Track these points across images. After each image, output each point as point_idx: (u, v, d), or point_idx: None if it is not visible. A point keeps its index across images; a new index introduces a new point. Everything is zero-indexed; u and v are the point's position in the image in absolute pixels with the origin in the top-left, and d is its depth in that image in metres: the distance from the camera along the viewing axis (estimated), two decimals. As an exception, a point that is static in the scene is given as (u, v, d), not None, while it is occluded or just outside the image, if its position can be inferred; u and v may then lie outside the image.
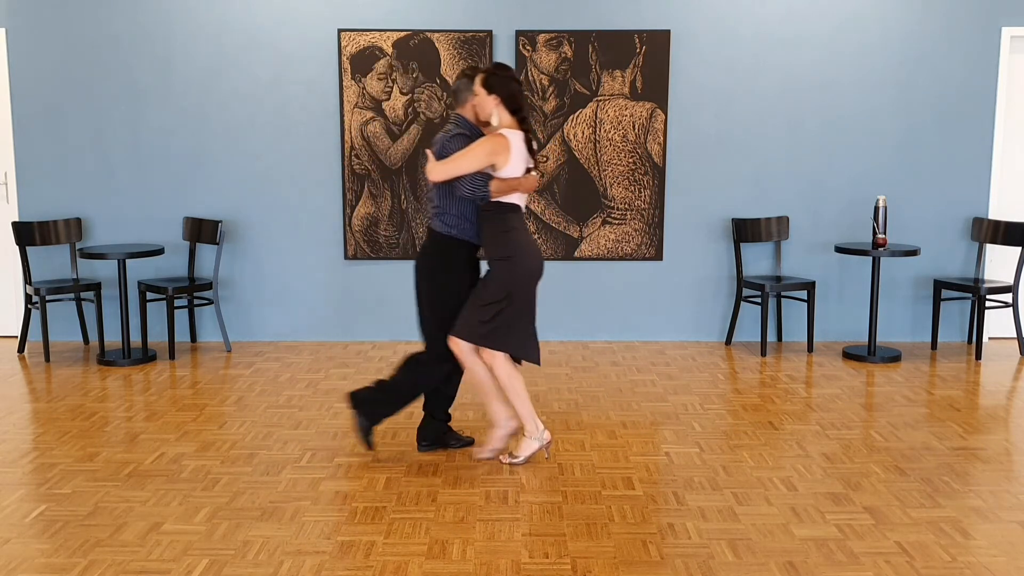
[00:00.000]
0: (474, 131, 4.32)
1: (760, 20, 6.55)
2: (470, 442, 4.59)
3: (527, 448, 4.34)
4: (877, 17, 6.54)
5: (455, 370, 4.42)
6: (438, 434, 4.54)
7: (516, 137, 4.20)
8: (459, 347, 4.27)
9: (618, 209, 6.66)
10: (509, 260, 4.26)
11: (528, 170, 4.31)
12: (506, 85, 4.20)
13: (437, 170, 4.18)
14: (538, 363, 4.40)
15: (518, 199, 4.31)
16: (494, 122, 4.23)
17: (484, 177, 4.19)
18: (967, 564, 3.35)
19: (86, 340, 6.78)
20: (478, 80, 4.22)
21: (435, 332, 4.34)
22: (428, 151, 4.30)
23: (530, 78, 6.54)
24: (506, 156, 4.16)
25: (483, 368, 4.31)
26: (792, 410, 5.19)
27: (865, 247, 6.26)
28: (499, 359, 4.26)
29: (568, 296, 6.76)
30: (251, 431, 4.81)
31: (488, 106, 4.21)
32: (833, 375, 5.94)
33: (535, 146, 4.39)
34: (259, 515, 3.77)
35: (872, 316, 6.31)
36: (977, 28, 6.54)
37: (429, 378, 4.41)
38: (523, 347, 4.34)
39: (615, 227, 6.68)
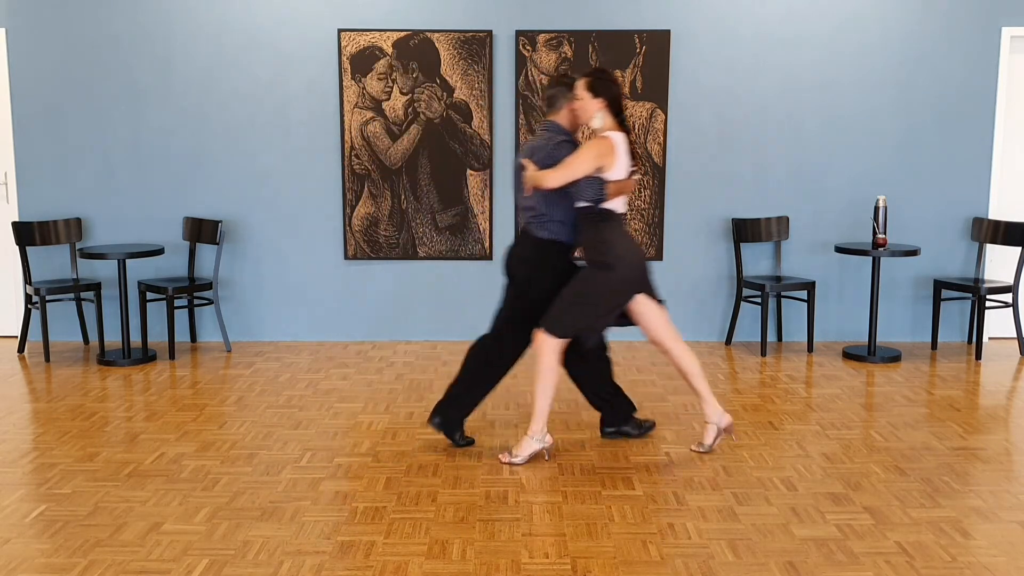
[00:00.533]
0: (571, 137, 4.38)
1: (760, 20, 6.55)
2: (651, 426, 4.73)
3: (527, 448, 4.34)
4: (877, 17, 6.55)
5: (600, 357, 4.57)
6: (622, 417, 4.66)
7: (621, 139, 4.24)
8: (541, 343, 4.30)
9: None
10: (609, 268, 4.25)
11: (630, 173, 4.33)
12: (610, 89, 4.26)
13: (552, 177, 4.15)
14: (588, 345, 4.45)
15: (619, 203, 4.33)
16: (596, 125, 4.26)
17: (600, 181, 4.20)
18: (967, 564, 3.36)
19: (86, 340, 6.79)
20: (582, 84, 4.25)
21: (526, 333, 4.43)
22: (526, 160, 4.30)
23: (530, 78, 6.55)
24: (613, 158, 4.19)
25: (553, 371, 4.33)
26: (792, 410, 5.19)
27: (865, 247, 6.27)
28: (548, 345, 4.27)
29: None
30: (251, 431, 4.81)
31: (592, 110, 4.25)
32: (833, 375, 5.94)
33: (636, 150, 4.37)
34: (259, 515, 3.77)
35: (872, 316, 6.31)
36: (977, 28, 6.54)
37: (500, 373, 4.53)
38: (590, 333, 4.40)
39: (615, 227, 6.67)
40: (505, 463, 4.34)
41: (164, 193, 6.70)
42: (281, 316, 6.83)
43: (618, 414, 4.67)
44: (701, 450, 4.49)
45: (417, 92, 6.57)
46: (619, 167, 4.21)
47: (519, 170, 4.40)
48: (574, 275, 4.35)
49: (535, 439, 4.34)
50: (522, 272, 4.45)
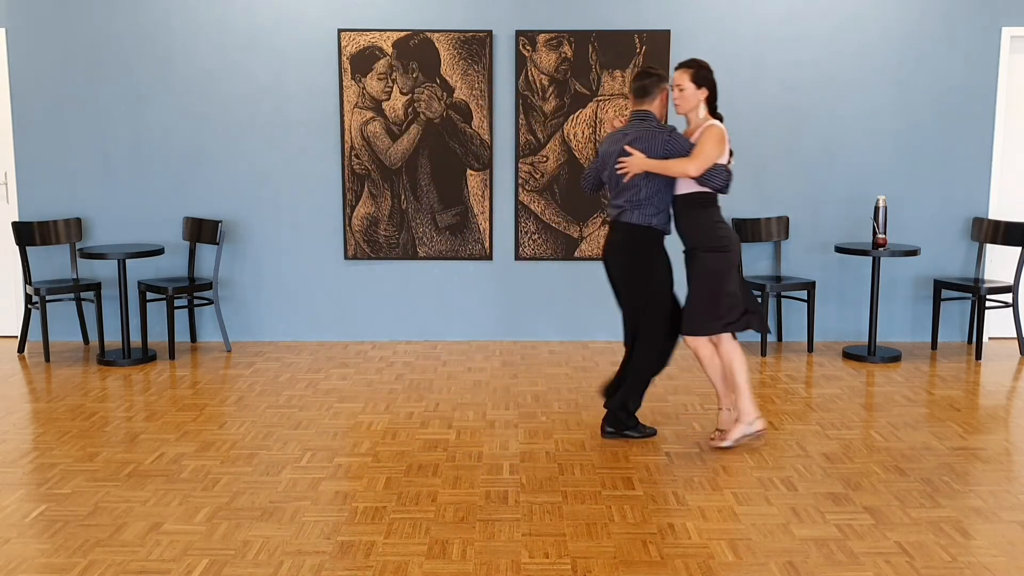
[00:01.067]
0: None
1: (760, 20, 6.55)
2: (653, 432, 4.75)
3: (737, 432, 4.51)
4: (877, 17, 6.54)
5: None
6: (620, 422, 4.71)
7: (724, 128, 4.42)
8: (697, 343, 4.47)
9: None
10: (724, 250, 4.43)
11: (728, 160, 4.48)
12: (711, 80, 4.41)
13: (695, 164, 4.30)
14: (767, 331, 4.72)
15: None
16: (700, 115, 4.42)
17: (726, 167, 4.39)
18: (967, 564, 3.35)
19: (86, 340, 6.79)
20: (687, 75, 4.39)
21: (655, 317, 4.54)
22: (631, 148, 4.39)
23: (530, 78, 6.55)
24: (725, 146, 4.37)
25: (718, 359, 4.51)
26: (792, 410, 5.19)
27: (865, 247, 6.26)
28: (726, 340, 4.47)
29: (568, 296, 6.76)
30: (251, 431, 4.81)
31: (694, 100, 4.40)
32: (833, 375, 5.94)
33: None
34: (259, 515, 3.77)
35: (872, 316, 6.31)
36: (977, 28, 6.54)
37: (650, 363, 4.62)
38: (751, 320, 4.56)
39: (615, 227, 6.67)
40: (717, 446, 4.51)
41: (164, 193, 6.70)
42: (281, 316, 6.83)
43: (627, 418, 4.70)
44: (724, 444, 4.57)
45: (417, 92, 6.57)
46: (726, 154, 4.39)
47: (613, 157, 4.48)
48: (666, 265, 4.52)
49: (748, 423, 4.50)
50: (625, 260, 4.54)
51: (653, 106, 4.47)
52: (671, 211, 4.52)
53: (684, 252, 4.53)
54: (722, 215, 4.51)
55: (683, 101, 4.42)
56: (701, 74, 4.39)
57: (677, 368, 6.05)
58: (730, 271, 4.47)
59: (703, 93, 4.40)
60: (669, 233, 4.55)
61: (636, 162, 4.36)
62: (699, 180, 4.35)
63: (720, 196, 4.46)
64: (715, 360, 4.53)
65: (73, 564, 3.34)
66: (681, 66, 4.45)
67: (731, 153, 4.47)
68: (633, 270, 4.52)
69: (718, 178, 4.35)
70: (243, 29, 6.55)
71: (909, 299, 6.83)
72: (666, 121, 4.57)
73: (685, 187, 4.40)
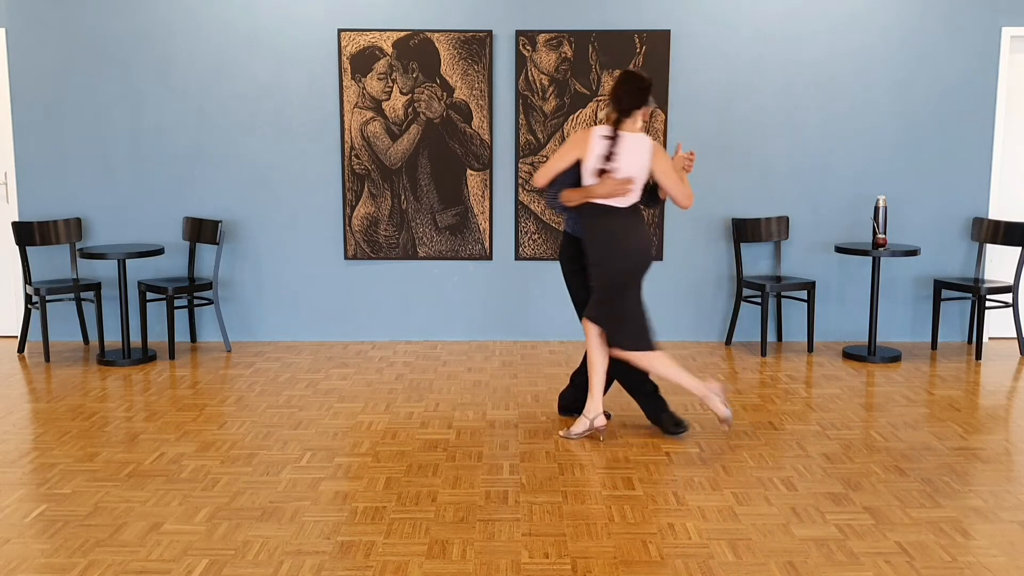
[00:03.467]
0: None
1: (760, 20, 6.55)
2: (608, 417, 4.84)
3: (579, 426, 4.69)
4: (877, 16, 6.55)
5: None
6: (573, 401, 4.96)
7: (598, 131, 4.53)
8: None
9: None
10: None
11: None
12: (615, 90, 4.49)
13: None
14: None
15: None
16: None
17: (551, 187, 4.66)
18: (967, 564, 3.35)
19: (86, 340, 6.79)
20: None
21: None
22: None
23: (530, 78, 6.55)
24: (569, 154, 4.53)
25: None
26: (792, 410, 5.19)
27: (865, 247, 6.26)
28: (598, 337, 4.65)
29: (568, 296, 6.74)
30: (251, 431, 4.81)
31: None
32: (833, 375, 5.94)
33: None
34: (259, 515, 3.77)
35: (872, 316, 6.31)
36: (977, 28, 6.54)
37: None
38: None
39: (615, 227, 6.67)
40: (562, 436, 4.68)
41: (164, 193, 6.70)
42: (281, 316, 6.83)
43: (580, 401, 4.90)
44: (569, 436, 4.69)
45: (417, 92, 6.57)
46: (589, 159, 4.44)
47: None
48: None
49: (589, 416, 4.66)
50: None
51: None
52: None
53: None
54: (614, 226, 4.47)
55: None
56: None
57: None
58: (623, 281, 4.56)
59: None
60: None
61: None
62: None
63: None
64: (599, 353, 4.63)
65: (73, 564, 3.34)
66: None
67: (608, 157, 4.39)
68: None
69: (548, 196, 4.60)
70: (243, 29, 6.55)
71: (909, 299, 6.84)
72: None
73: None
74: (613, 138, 4.38)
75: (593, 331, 4.59)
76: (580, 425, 4.65)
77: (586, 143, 4.40)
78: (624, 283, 4.51)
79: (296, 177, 6.69)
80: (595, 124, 4.48)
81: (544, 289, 6.77)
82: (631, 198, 4.46)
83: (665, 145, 6.57)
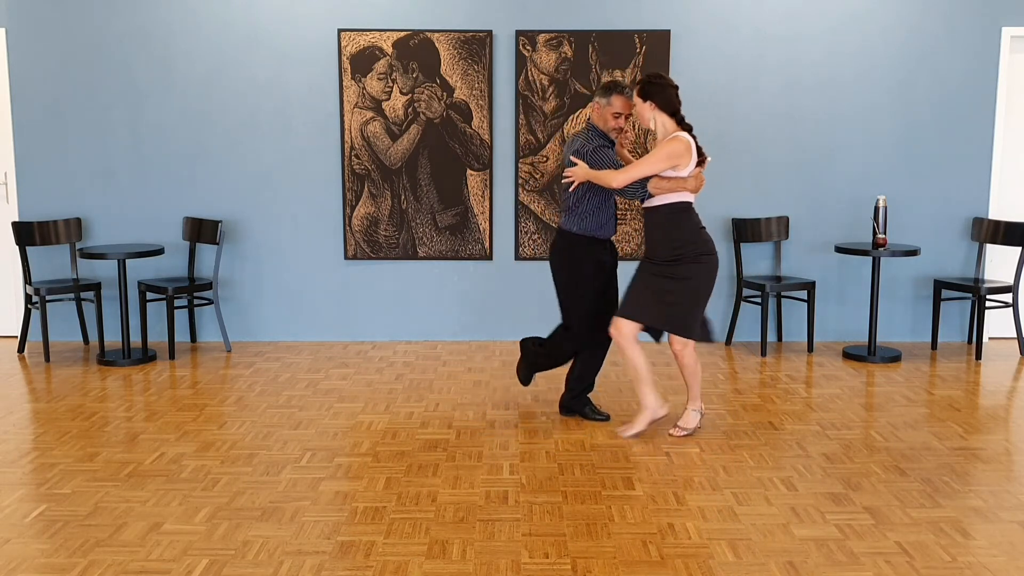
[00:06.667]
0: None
1: (760, 19, 6.55)
2: (606, 417, 4.96)
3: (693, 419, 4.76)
4: (877, 16, 6.55)
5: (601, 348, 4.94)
6: (574, 404, 5.04)
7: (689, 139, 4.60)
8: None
9: (618, 209, 6.65)
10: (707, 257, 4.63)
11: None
12: (658, 91, 4.57)
13: (619, 177, 4.54)
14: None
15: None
16: (659, 126, 4.62)
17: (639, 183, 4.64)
18: (967, 564, 3.35)
19: (86, 340, 6.79)
20: (636, 91, 4.61)
21: (579, 315, 4.86)
22: (576, 158, 4.72)
23: (530, 78, 6.55)
24: (670, 161, 4.51)
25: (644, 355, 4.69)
26: (792, 410, 5.19)
27: (865, 247, 6.26)
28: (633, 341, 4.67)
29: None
30: (251, 431, 4.81)
31: (647, 113, 4.59)
32: (833, 375, 5.94)
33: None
34: (259, 515, 3.77)
35: (872, 316, 6.31)
36: (977, 28, 6.54)
37: (569, 349, 4.98)
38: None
39: (615, 227, 6.67)
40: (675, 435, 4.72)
41: (164, 193, 6.70)
42: (281, 316, 6.83)
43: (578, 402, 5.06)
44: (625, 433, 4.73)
45: (417, 92, 6.57)
46: (685, 166, 4.48)
47: (562, 166, 4.84)
48: (593, 268, 4.78)
49: (695, 410, 4.77)
50: (552, 263, 4.96)
51: (592, 117, 4.79)
52: (600, 218, 4.75)
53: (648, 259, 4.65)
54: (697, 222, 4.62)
55: (639, 117, 4.64)
56: (646, 88, 4.53)
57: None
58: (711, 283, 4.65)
59: (650, 106, 4.54)
60: (599, 238, 4.78)
61: (579, 172, 4.63)
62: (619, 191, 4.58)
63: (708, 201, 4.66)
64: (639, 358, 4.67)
65: (73, 564, 3.34)
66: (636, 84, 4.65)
67: (702, 159, 4.54)
68: (558, 270, 4.84)
69: (630, 191, 4.54)
70: (243, 29, 6.55)
71: (909, 299, 6.84)
72: (616, 133, 4.77)
73: (660, 198, 4.54)
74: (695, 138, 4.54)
75: (629, 332, 4.60)
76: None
77: (690, 153, 4.45)
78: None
79: (296, 177, 6.69)
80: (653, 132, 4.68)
81: (544, 289, 6.75)
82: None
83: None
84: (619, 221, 6.66)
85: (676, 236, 4.53)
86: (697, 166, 4.52)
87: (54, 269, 6.73)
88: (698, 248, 4.53)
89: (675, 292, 4.53)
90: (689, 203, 4.55)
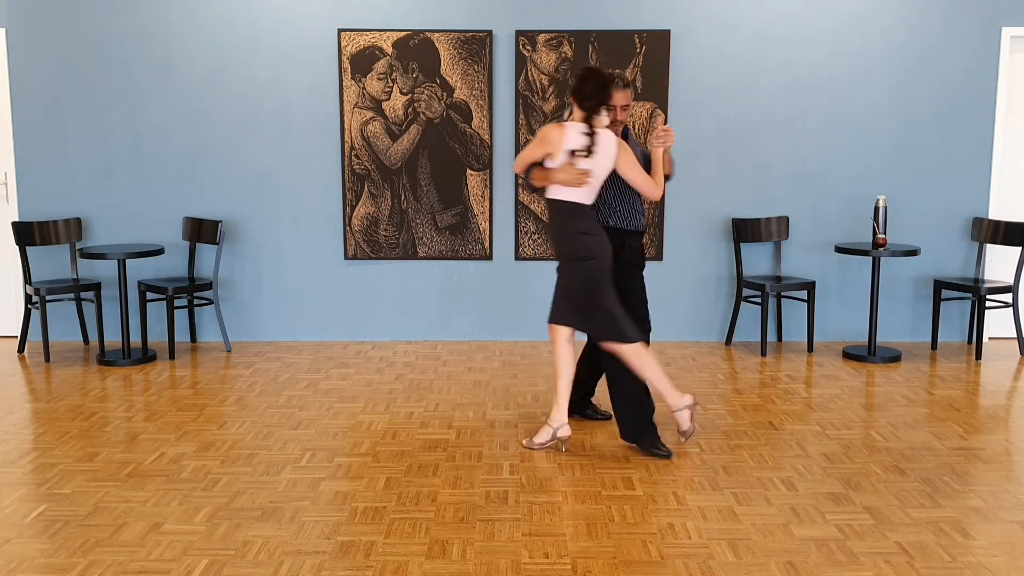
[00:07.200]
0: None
1: (760, 19, 6.55)
2: (607, 417, 4.93)
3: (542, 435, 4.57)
4: (877, 16, 6.55)
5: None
6: (575, 404, 4.95)
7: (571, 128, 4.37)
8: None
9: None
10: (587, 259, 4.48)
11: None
12: (576, 87, 4.37)
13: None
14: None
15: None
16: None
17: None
18: (967, 564, 3.35)
19: (86, 340, 6.79)
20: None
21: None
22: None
23: (530, 78, 6.55)
24: (542, 147, 4.37)
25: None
26: (792, 410, 5.19)
27: (865, 247, 6.26)
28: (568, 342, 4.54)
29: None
30: (251, 431, 4.81)
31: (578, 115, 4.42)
32: (833, 375, 5.94)
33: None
34: (259, 515, 3.77)
35: (872, 316, 6.31)
36: (977, 28, 6.54)
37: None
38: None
39: (615, 227, 6.67)
40: (525, 447, 4.53)
41: (164, 193, 6.70)
42: (281, 316, 6.83)
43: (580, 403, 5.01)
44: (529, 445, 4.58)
45: (417, 92, 6.57)
46: (556, 154, 4.31)
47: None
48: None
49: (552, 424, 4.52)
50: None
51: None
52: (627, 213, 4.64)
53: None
54: (588, 224, 4.38)
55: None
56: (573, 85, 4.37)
57: (677, 368, 6.06)
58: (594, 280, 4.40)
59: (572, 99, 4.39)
60: (630, 230, 4.62)
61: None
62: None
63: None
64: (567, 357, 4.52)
65: (73, 564, 3.34)
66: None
67: (588, 153, 4.30)
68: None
69: (527, 180, 4.48)
70: (243, 29, 6.55)
71: (909, 299, 6.84)
72: (614, 126, 4.54)
73: (552, 193, 4.40)
74: (591, 135, 4.27)
75: (561, 337, 4.47)
76: (543, 435, 4.49)
77: (561, 140, 4.25)
78: (602, 279, 4.38)
79: (296, 177, 6.69)
80: (563, 121, 4.37)
81: (544, 289, 6.76)
82: (590, 195, 4.35)
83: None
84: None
85: (555, 233, 4.45)
86: (581, 159, 4.26)
87: (54, 269, 6.73)
88: (572, 250, 4.37)
89: (557, 281, 4.51)
90: (576, 204, 4.33)
